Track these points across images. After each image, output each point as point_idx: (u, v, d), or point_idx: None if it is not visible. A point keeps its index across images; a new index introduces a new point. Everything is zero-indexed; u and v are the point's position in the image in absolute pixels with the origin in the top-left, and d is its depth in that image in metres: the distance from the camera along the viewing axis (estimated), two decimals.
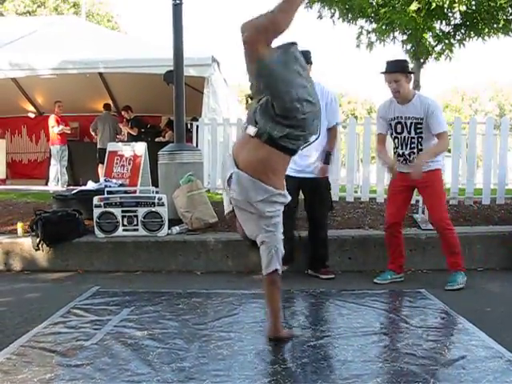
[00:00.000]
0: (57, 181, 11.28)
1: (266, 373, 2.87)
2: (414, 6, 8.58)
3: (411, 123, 4.71)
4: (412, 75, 4.86)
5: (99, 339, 3.41)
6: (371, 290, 4.63)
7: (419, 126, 4.69)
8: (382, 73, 4.76)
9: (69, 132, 11.80)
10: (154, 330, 3.60)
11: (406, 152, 4.78)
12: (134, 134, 11.43)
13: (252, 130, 3.06)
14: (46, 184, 11.72)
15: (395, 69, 4.70)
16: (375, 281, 4.93)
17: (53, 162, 11.45)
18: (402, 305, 4.23)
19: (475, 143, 7.12)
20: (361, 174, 7.48)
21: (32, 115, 13.70)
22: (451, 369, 2.90)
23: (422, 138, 4.71)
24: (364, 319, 3.84)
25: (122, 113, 12.02)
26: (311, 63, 4.85)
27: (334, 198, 7.14)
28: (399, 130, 4.79)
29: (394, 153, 4.97)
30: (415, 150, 4.75)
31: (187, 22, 6.49)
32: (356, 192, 7.39)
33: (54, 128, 11.35)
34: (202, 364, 2.99)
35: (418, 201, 6.44)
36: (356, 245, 5.50)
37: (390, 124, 4.85)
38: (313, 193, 5.13)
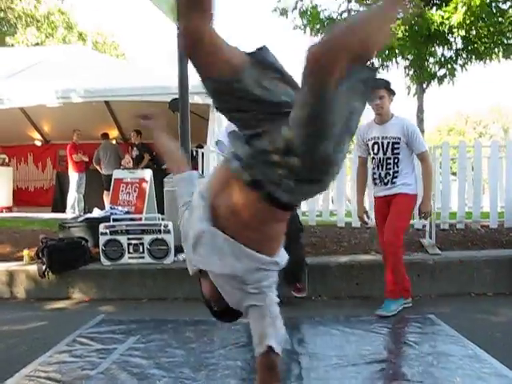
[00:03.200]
0: (74, 209, 11.32)
1: None
2: (414, 32, 8.68)
3: (388, 143, 4.67)
4: (393, 97, 4.78)
5: (105, 368, 3.38)
6: (379, 316, 4.57)
7: (396, 145, 4.66)
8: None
9: (86, 160, 11.88)
10: (161, 358, 3.56)
11: (382, 173, 4.73)
12: (128, 160, 11.44)
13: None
14: (53, 211, 11.75)
15: (381, 85, 4.70)
16: (380, 313, 4.60)
17: (71, 190, 11.52)
18: (411, 331, 4.17)
19: (481, 166, 7.10)
20: (367, 198, 7.45)
21: (39, 143, 13.80)
22: None
23: (398, 158, 4.67)
24: (372, 346, 3.79)
25: (132, 135, 12.06)
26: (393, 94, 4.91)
27: (340, 224, 7.14)
28: (376, 151, 4.76)
29: (373, 176, 4.88)
30: (391, 172, 4.70)
31: None
32: None
33: (74, 156, 11.47)
34: None
35: (424, 225, 6.42)
36: (363, 270, 5.46)
37: (367, 145, 4.83)
38: None
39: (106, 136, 12.29)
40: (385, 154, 4.71)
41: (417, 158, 4.81)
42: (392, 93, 4.74)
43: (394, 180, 4.71)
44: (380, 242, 4.98)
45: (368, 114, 4.85)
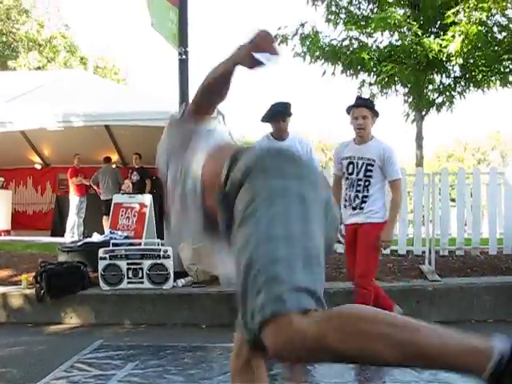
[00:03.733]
0: (73, 232, 11.31)
1: None
2: (412, 60, 8.77)
3: (363, 164, 4.52)
4: (376, 118, 4.63)
5: None
6: None
7: (370, 167, 4.51)
8: (351, 106, 4.60)
9: (87, 184, 11.90)
10: None
11: (352, 195, 4.57)
12: (127, 185, 11.47)
13: None
14: (52, 235, 11.74)
15: (366, 104, 4.62)
16: None
17: (71, 213, 11.53)
18: None
19: (479, 193, 7.13)
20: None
21: (38, 166, 13.84)
22: None
23: (369, 182, 4.51)
24: (372, 372, 3.76)
25: (133, 158, 12.09)
26: (290, 115, 5.04)
27: (339, 250, 7.12)
28: (350, 171, 4.60)
29: (344, 198, 4.69)
30: (360, 195, 4.53)
31: (193, 73, 6.61)
32: None
33: (72, 179, 11.50)
34: None
35: (424, 252, 6.42)
36: None
37: (342, 163, 4.67)
38: None
39: (107, 160, 12.33)
40: (357, 174, 4.55)
41: (389, 185, 4.64)
42: (375, 114, 4.61)
43: (363, 205, 4.53)
44: (348, 269, 4.81)
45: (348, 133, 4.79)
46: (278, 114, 4.97)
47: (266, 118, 5.06)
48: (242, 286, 1.53)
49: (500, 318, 5.38)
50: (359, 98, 4.74)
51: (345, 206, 4.66)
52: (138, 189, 11.14)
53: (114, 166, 12.60)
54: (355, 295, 4.59)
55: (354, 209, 4.56)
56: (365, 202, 4.52)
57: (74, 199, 11.59)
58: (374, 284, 4.66)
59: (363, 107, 4.56)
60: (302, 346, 1.40)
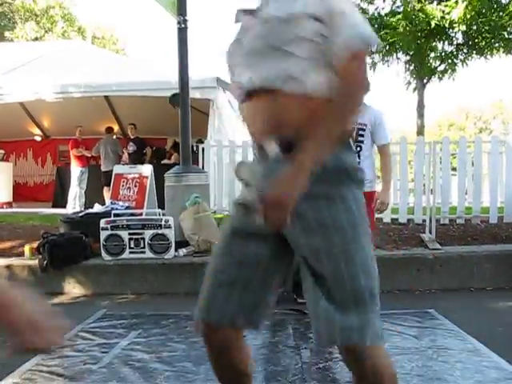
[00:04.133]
0: (74, 203, 11.33)
1: None
2: (415, 27, 8.68)
3: (353, 128, 4.45)
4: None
5: (107, 362, 3.40)
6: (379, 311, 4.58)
7: (361, 132, 4.43)
8: None
9: (89, 155, 11.87)
10: (162, 352, 3.58)
11: None
12: (126, 155, 11.45)
13: None
14: (53, 206, 11.76)
15: None
16: None
17: (72, 184, 11.53)
18: (411, 325, 4.18)
19: (481, 162, 7.12)
20: None
21: (38, 138, 13.80)
22: None
23: (361, 147, 4.42)
24: None
25: (128, 129, 12.04)
26: None
27: None
28: None
29: None
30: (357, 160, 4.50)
31: (192, 44, 6.55)
32: None
33: (73, 151, 11.47)
34: None
35: (424, 220, 6.43)
36: None
37: None
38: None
39: (109, 130, 12.27)
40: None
41: (378, 150, 4.57)
42: None
43: None
44: None
45: None
46: None
47: None
48: (339, 273, 1.70)
49: (500, 285, 5.42)
50: None
51: None
52: (135, 159, 11.09)
53: (114, 137, 12.57)
54: None
55: None
56: None
57: (75, 170, 11.58)
58: None
59: None
60: (377, 374, 1.74)
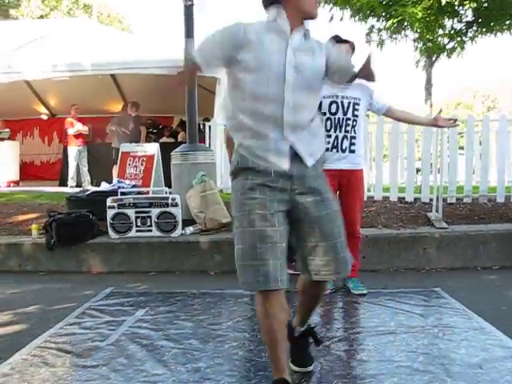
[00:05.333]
0: (73, 181, 11.32)
1: None
2: (424, 4, 8.53)
3: (349, 103, 4.38)
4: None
5: (115, 340, 3.43)
6: (385, 290, 4.60)
7: (357, 107, 4.41)
8: (337, 40, 4.29)
9: (86, 133, 11.81)
10: (169, 330, 3.61)
11: (340, 136, 4.37)
12: (127, 132, 11.39)
13: None
14: (60, 185, 11.78)
15: (348, 41, 4.39)
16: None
17: (70, 163, 11.51)
18: (417, 304, 4.19)
19: (488, 141, 7.06)
20: (374, 172, 7.44)
21: (45, 117, 13.78)
22: (468, 368, 2.88)
23: (356, 122, 4.40)
24: (379, 318, 3.82)
25: (128, 106, 11.92)
26: None
27: None
28: (334, 110, 4.39)
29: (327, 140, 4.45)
30: (348, 135, 4.38)
31: (198, 22, 6.50)
32: (369, 191, 7.35)
33: (69, 130, 11.41)
34: (217, 364, 3.00)
35: (431, 199, 6.41)
36: (370, 244, 5.47)
37: (321, 102, 4.32)
38: None
39: (125, 108, 12.15)
40: (345, 114, 4.38)
41: (387, 115, 4.63)
42: (353, 51, 4.43)
43: (353, 148, 4.40)
44: None
45: None
46: None
47: None
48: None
49: (506, 264, 5.43)
50: (337, 36, 4.43)
51: (327, 149, 4.30)
52: (132, 137, 10.96)
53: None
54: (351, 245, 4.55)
55: (344, 151, 4.39)
56: (354, 144, 4.41)
57: (71, 150, 11.52)
58: None
59: (347, 44, 4.36)
60: None
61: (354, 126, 4.41)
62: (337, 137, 4.38)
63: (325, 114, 4.40)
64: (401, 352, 3.15)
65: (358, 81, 4.44)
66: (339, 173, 4.37)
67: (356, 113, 4.41)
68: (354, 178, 4.44)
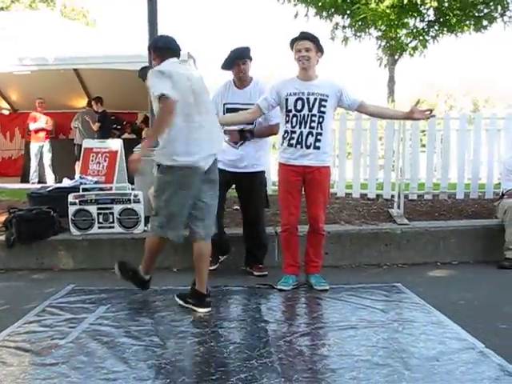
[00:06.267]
0: (34, 178, 11.15)
1: (243, 368, 2.88)
2: (387, 2, 8.64)
3: (315, 99, 4.38)
4: (320, 55, 4.51)
5: (75, 337, 3.40)
6: (347, 285, 4.65)
7: (324, 103, 4.39)
8: (294, 39, 4.47)
9: (49, 129, 11.60)
10: (130, 327, 3.59)
11: (305, 132, 4.38)
12: (95, 129, 11.26)
13: None
14: (22, 182, 11.57)
15: (308, 37, 4.43)
16: (281, 287, 4.52)
17: (32, 159, 11.32)
18: (378, 299, 4.25)
19: (449, 138, 7.19)
20: (337, 169, 7.50)
21: (6, 112, 13.50)
22: (426, 361, 2.95)
23: (323, 118, 4.39)
24: (340, 313, 3.87)
25: (92, 103, 11.79)
26: (251, 59, 4.90)
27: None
28: (299, 107, 4.40)
29: (284, 137, 4.50)
30: (314, 131, 4.38)
31: (162, 17, 6.46)
32: (332, 187, 7.40)
33: (30, 125, 11.21)
34: (178, 361, 3.00)
35: (393, 196, 6.50)
36: (332, 240, 5.51)
37: (287, 100, 4.43)
38: (246, 189, 5.00)
39: (89, 104, 12.00)
40: (310, 110, 4.38)
41: (360, 110, 4.68)
42: (320, 49, 4.47)
43: (318, 144, 4.40)
44: (291, 219, 4.58)
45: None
46: (237, 59, 4.82)
47: (225, 65, 4.91)
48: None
49: (465, 260, 5.54)
50: (303, 32, 4.52)
51: (291, 146, 4.45)
52: (98, 134, 10.84)
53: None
54: (314, 240, 4.64)
55: (308, 147, 4.41)
56: (319, 140, 4.40)
57: (32, 145, 11.35)
58: None
59: (306, 40, 4.40)
60: None
61: (320, 123, 4.41)
62: (301, 133, 4.40)
63: (291, 111, 4.44)
64: (361, 346, 3.20)
65: (327, 76, 4.56)
66: (303, 169, 4.42)
67: (323, 109, 4.41)
68: (319, 175, 4.46)
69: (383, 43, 9.47)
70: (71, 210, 5.66)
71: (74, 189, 6.07)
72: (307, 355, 3.10)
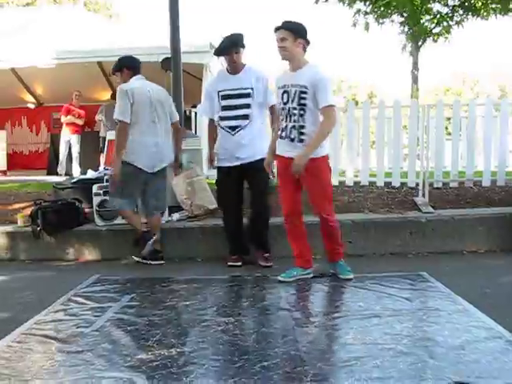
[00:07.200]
0: (62, 169, 11.28)
1: (266, 356, 2.87)
2: None
3: (295, 91, 4.25)
4: (302, 41, 4.28)
5: (100, 326, 3.43)
6: (371, 274, 4.62)
7: (303, 95, 4.23)
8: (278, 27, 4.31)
9: (80, 123, 11.68)
10: (154, 316, 3.61)
11: (289, 125, 4.31)
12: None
13: None
14: (48, 174, 11.71)
15: (282, 26, 4.26)
16: (279, 278, 4.46)
17: (61, 151, 11.46)
18: (403, 287, 4.21)
19: (475, 125, 7.07)
20: (360, 158, 7.44)
21: (32, 106, 13.66)
22: (451, 350, 2.90)
23: (304, 110, 4.24)
24: (364, 302, 3.84)
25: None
26: (244, 47, 4.90)
27: (334, 182, 7.14)
28: (285, 100, 4.34)
29: (280, 129, 4.45)
30: (296, 125, 4.28)
31: (184, 8, 6.46)
32: (356, 176, 7.35)
33: (62, 117, 11.34)
34: (201, 349, 3.00)
35: (417, 184, 6.43)
36: (356, 229, 5.49)
37: (278, 93, 4.42)
38: (251, 177, 4.99)
39: (114, 96, 12.04)
40: (292, 103, 4.28)
41: (321, 113, 4.27)
42: (298, 35, 4.26)
43: (302, 137, 4.28)
44: (289, 209, 4.53)
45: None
46: (230, 47, 4.84)
47: (219, 51, 4.94)
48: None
49: (491, 248, 5.46)
50: (285, 22, 4.34)
51: (281, 137, 4.42)
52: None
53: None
54: (325, 230, 4.52)
55: (293, 140, 4.32)
56: (303, 133, 4.29)
57: (63, 137, 11.47)
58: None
59: (280, 29, 4.26)
60: None
61: (301, 115, 4.28)
62: (287, 126, 4.35)
63: (280, 104, 4.41)
64: (385, 335, 3.17)
65: (313, 65, 4.34)
66: (291, 161, 4.29)
67: (302, 101, 4.26)
68: (309, 167, 4.24)
69: (406, 29, 9.32)
70: (96, 200, 5.72)
71: (99, 180, 6.13)
72: (331, 343, 3.09)
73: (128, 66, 5.31)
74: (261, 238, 5.11)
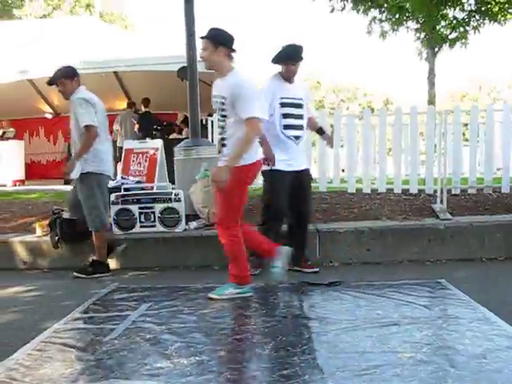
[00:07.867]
0: None
1: (285, 365, 2.86)
2: None
3: (217, 102, 4.15)
4: (224, 49, 4.11)
5: (119, 334, 3.43)
6: (389, 282, 4.59)
7: (223, 106, 4.10)
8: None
9: None
10: (173, 324, 3.61)
11: (219, 137, 4.26)
12: (136, 129, 11.38)
13: None
14: (65, 184, 11.80)
15: (203, 35, 4.16)
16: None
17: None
18: (422, 295, 4.17)
19: (493, 131, 7.02)
20: (377, 165, 7.42)
21: (49, 116, 13.82)
22: (472, 358, 2.86)
23: (225, 122, 4.12)
24: (383, 310, 3.81)
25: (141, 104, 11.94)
26: (302, 59, 4.86)
27: (351, 190, 7.13)
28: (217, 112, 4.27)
29: None
30: (219, 137, 4.22)
31: (199, 17, 6.50)
32: (373, 184, 7.33)
33: None
34: (220, 357, 3.00)
35: (435, 190, 6.39)
36: (374, 236, 5.46)
37: None
38: (299, 186, 4.90)
39: (130, 105, 12.15)
40: (217, 114, 4.20)
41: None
42: (220, 43, 4.09)
43: (223, 149, 4.18)
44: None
45: None
46: (293, 57, 4.81)
47: (278, 59, 4.87)
48: None
49: (511, 255, 5.39)
50: (212, 29, 4.21)
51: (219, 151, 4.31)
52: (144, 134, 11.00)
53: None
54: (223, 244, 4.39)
55: (219, 152, 4.25)
56: (224, 145, 4.17)
57: None
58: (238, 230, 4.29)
59: (203, 39, 4.16)
60: None
61: (222, 127, 4.21)
62: (219, 139, 4.31)
63: None
64: (404, 343, 3.14)
65: (236, 74, 4.16)
66: None
67: (223, 113, 4.16)
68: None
69: (422, 35, 9.29)
70: (113, 209, 5.76)
71: (116, 189, 6.17)
72: (349, 352, 3.06)
73: (77, 74, 5.51)
74: (305, 244, 5.09)
